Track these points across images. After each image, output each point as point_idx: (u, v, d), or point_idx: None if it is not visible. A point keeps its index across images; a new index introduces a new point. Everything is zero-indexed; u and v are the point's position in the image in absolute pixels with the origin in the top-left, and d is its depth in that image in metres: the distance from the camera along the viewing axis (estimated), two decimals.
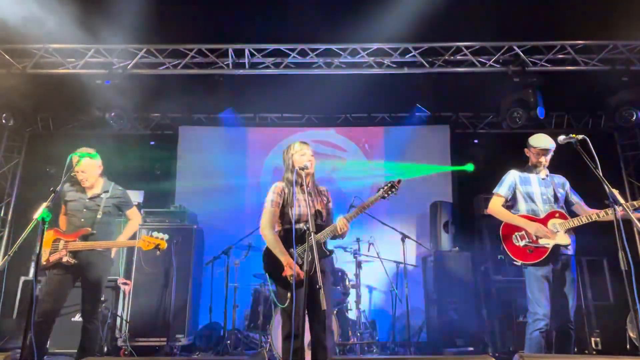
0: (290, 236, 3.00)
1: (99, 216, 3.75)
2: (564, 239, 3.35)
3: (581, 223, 3.32)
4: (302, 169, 3.01)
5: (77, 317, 4.82)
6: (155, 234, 3.74)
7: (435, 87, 5.91)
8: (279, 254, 2.98)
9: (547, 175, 3.59)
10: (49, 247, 3.62)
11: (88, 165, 3.72)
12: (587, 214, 3.34)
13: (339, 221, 3.01)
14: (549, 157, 3.54)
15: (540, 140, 3.52)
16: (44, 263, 3.60)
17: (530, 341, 3.27)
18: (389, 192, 3.12)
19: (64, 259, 3.59)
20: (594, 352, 4.90)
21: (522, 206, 3.53)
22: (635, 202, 3.07)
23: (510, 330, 5.10)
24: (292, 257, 2.97)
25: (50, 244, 3.64)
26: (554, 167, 3.68)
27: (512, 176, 3.61)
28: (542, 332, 3.22)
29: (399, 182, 3.13)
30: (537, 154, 3.53)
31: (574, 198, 3.57)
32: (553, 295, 3.34)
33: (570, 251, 3.41)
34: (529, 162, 3.64)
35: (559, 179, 3.64)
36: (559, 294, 3.35)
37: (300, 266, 2.90)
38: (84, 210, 3.76)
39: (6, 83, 5.51)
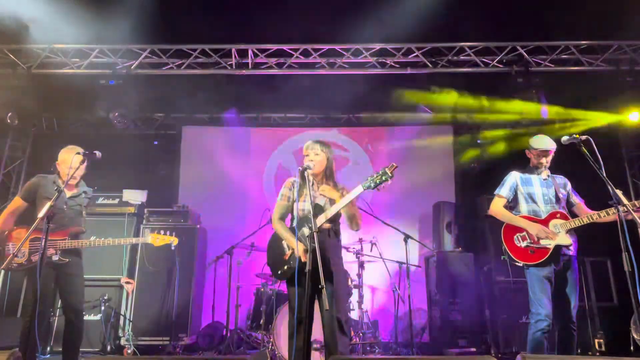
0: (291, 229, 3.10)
1: (84, 215, 3.71)
2: (565, 239, 3.35)
3: (582, 223, 3.33)
4: (305, 169, 3.04)
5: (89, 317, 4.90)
6: (166, 237, 3.86)
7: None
8: (287, 239, 3.07)
9: (548, 176, 3.59)
10: (26, 247, 3.46)
11: (82, 165, 3.63)
12: (588, 214, 3.33)
13: (325, 210, 3.01)
14: (549, 158, 3.55)
15: (541, 142, 3.52)
16: (23, 262, 3.45)
17: (532, 342, 3.27)
18: (379, 180, 2.81)
19: (55, 258, 3.46)
20: (598, 354, 4.88)
21: (524, 207, 3.54)
22: (636, 202, 3.06)
23: (513, 331, 5.09)
24: (285, 249, 3.06)
25: (28, 243, 3.46)
26: (557, 168, 3.67)
27: (513, 177, 3.62)
28: (544, 332, 3.22)
29: (391, 168, 2.79)
30: (538, 155, 3.53)
31: (575, 199, 3.57)
32: (556, 295, 3.33)
33: (572, 252, 3.41)
34: (530, 164, 3.64)
35: (561, 179, 3.64)
36: (562, 295, 3.35)
37: (290, 256, 2.97)
38: (65, 208, 3.61)
39: (11, 83, 5.54)
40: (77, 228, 3.63)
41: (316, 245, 2.66)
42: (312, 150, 3.18)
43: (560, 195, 3.52)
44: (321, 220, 2.97)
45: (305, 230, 3.00)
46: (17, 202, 3.63)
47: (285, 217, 3.23)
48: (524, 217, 3.49)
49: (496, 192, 3.65)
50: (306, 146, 3.21)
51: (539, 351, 3.21)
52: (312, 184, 3.12)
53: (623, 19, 4.92)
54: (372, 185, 2.83)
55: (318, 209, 3.06)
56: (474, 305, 5.37)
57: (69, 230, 3.58)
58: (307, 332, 2.77)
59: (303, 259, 2.82)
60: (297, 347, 2.83)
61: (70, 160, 3.56)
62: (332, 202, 3.12)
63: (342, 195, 3.04)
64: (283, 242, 3.11)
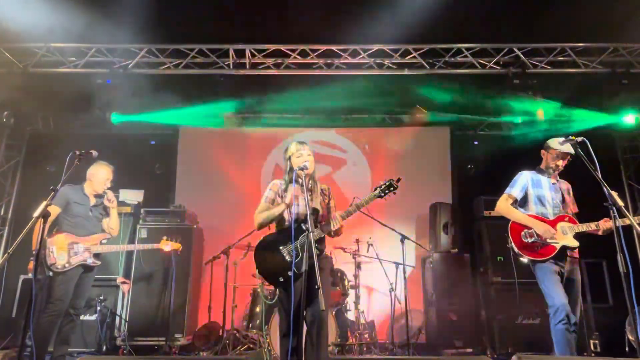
0: (283, 235, 3.05)
1: (105, 222, 4.13)
2: (572, 241, 3.39)
3: (590, 229, 3.36)
4: (302, 169, 3.02)
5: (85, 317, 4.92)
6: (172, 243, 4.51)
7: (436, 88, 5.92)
8: (275, 209, 3.08)
9: (557, 181, 3.62)
10: (65, 250, 3.82)
11: (108, 179, 4.13)
12: (594, 223, 3.35)
13: (333, 218, 3.00)
14: (566, 162, 3.54)
15: (562, 144, 3.48)
16: (65, 264, 3.79)
17: (556, 335, 3.20)
18: (386, 192, 3.03)
19: (89, 261, 3.88)
20: (593, 354, 4.90)
21: (533, 208, 3.55)
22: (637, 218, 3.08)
23: (508, 332, 5.11)
24: (285, 256, 3.01)
25: (66, 246, 3.84)
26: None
27: (525, 178, 3.62)
28: (565, 322, 3.15)
29: (398, 180, 3.04)
30: (557, 157, 3.52)
31: (572, 208, 3.60)
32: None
33: (576, 254, 3.46)
34: (541, 165, 3.65)
35: (566, 185, 3.68)
36: (567, 296, 3.35)
37: (290, 262, 2.94)
38: (91, 215, 4.03)
39: (7, 82, 5.51)
40: (104, 234, 4.07)
41: (312, 246, 2.67)
42: (305, 151, 3.14)
43: (568, 202, 3.57)
44: (351, 211, 3.02)
45: (290, 246, 3.00)
46: (50, 209, 3.80)
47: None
48: (532, 216, 3.51)
49: (506, 191, 3.64)
50: (295, 147, 3.15)
51: (565, 343, 3.14)
52: (302, 185, 3.07)
53: (619, 22, 4.94)
54: (382, 195, 3.05)
55: (316, 214, 3.06)
56: (470, 306, 5.39)
57: (100, 236, 4.03)
58: (301, 331, 2.77)
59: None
60: (292, 347, 2.83)
61: (95, 173, 4.03)
62: (327, 206, 3.15)
63: (327, 205, 3.18)
64: (281, 248, 3.04)
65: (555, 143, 3.53)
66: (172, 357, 5.02)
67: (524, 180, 3.61)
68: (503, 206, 3.60)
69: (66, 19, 4.83)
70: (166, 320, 5.13)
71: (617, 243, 2.68)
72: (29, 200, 5.67)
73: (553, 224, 3.44)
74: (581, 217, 3.52)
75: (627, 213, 2.83)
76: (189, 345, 5.31)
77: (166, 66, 5.75)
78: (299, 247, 2.94)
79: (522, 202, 3.61)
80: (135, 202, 5.82)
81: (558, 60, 5.64)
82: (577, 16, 4.81)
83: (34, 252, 3.60)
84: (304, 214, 2.99)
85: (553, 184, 3.59)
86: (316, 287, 2.55)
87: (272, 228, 3.19)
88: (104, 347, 4.96)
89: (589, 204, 3.55)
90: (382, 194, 3.03)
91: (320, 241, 3.07)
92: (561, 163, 3.53)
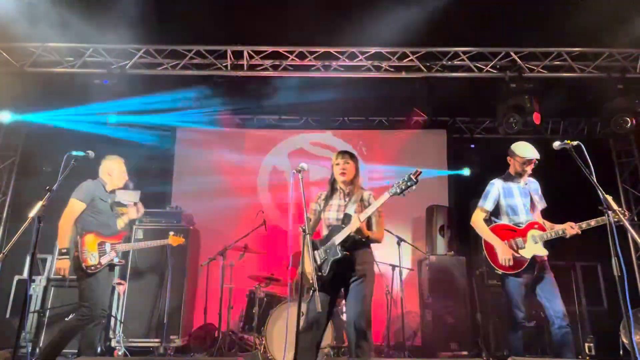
0: (319, 241, 3.20)
1: (121, 221, 4.09)
2: (542, 250, 3.45)
3: (558, 236, 3.44)
4: (299, 171, 3.09)
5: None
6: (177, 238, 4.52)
7: (433, 91, 5.94)
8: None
9: (526, 183, 3.65)
10: (96, 251, 3.71)
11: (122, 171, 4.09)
12: (561, 227, 3.45)
13: (352, 219, 3.06)
14: (532, 166, 3.59)
15: (527, 150, 3.56)
16: (97, 265, 3.68)
17: (514, 341, 3.47)
18: (405, 186, 2.90)
19: (116, 260, 3.81)
20: (588, 357, 4.92)
21: (505, 218, 3.61)
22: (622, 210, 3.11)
23: (504, 335, 5.11)
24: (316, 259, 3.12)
25: (96, 247, 3.73)
26: (549, 174, 3.72)
27: (496, 189, 3.65)
28: (524, 330, 3.44)
29: (416, 174, 2.87)
30: (522, 164, 3.57)
31: (540, 204, 3.66)
32: (542, 297, 3.43)
33: (544, 256, 3.51)
34: (510, 170, 3.69)
35: (534, 184, 3.72)
36: (549, 296, 3.42)
37: (316, 267, 3.04)
38: (112, 213, 3.97)
39: (4, 81, 5.49)
40: (125, 232, 4.01)
41: (310, 246, 2.70)
42: (342, 161, 3.26)
43: (536, 203, 3.61)
44: (369, 210, 3.06)
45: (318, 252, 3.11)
46: (77, 205, 3.77)
47: (314, 229, 3.32)
48: (503, 225, 3.55)
49: (479, 204, 3.69)
50: (334, 158, 3.32)
51: (519, 349, 3.40)
52: (340, 193, 3.25)
53: (615, 27, 4.98)
54: (399, 191, 2.94)
55: (347, 219, 3.09)
56: (466, 308, 5.40)
57: (122, 234, 3.95)
58: (319, 335, 2.96)
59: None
60: (305, 348, 2.85)
61: (114, 168, 3.97)
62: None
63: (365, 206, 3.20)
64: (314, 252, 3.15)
65: (519, 149, 3.58)
66: (168, 358, 5.01)
67: (495, 192, 3.64)
68: (476, 221, 3.66)
69: (64, 19, 4.82)
70: (162, 322, 5.11)
71: (611, 246, 2.69)
72: (25, 200, 5.65)
73: (524, 232, 3.49)
74: (576, 219, 3.53)
75: (621, 217, 2.85)
76: (184, 346, 5.30)
77: (164, 67, 5.75)
78: (323, 252, 3.09)
79: (495, 213, 3.66)
80: (132, 203, 5.78)
81: (554, 65, 5.68)
82: (573, 21, 4.85)
83: (62, 251, 3.62)
84: (335, 219, 3.15)
85: (523, 188, 3.63)
86: (312, 289, 2.58)
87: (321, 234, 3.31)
88: (99, 349, 4.93)
89: (584, 206, 3.57)
90: (398, 190, 2.93)
91: (353, 244, 3.12)
92: (529, 168, 3.58)
